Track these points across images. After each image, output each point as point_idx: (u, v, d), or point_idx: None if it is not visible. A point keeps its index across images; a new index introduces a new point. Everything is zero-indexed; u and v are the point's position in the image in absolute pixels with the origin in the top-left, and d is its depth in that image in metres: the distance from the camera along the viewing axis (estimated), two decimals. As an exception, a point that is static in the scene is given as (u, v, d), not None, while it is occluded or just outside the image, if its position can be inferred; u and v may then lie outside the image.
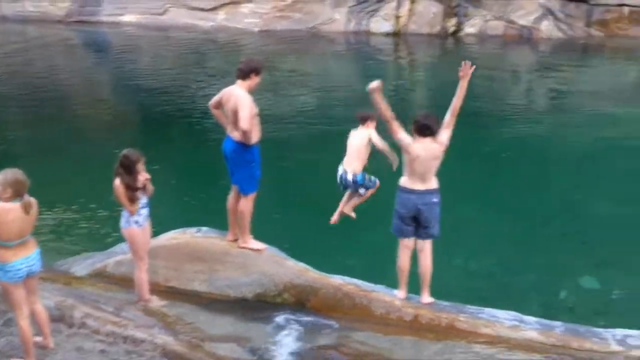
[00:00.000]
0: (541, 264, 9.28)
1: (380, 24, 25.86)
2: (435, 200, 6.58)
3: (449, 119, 6.49)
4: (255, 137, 6.89)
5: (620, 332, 6.45)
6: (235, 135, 6.87)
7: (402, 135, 6.46)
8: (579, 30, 24.84)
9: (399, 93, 19.50)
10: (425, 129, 6.46)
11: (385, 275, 8.16)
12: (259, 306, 6.85)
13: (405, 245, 6.76)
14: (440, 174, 6.60)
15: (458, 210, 9.68)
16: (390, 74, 22.05)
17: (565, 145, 14.17)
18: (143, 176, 6.41)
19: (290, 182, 11.75)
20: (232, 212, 7.20)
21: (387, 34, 25.63)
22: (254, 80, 6.88)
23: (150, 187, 6.52)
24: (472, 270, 9.04)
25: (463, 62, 6.45)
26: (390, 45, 25.11)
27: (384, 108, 6.41)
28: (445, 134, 6.47)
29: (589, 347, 6.17)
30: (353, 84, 19.99)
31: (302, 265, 7.18)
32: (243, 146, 6.88)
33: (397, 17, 25.79)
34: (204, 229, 7.56)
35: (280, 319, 6.63)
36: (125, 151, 6.45)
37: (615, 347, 6.18)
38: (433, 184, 6.57)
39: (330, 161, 13.01)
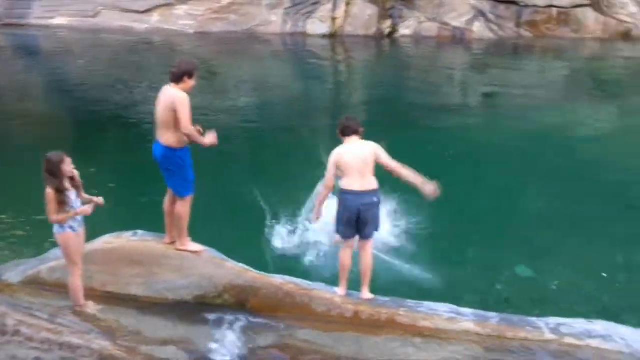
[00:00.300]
0: (476, 258, 9.46)
1: (317, 26, 25.96)
2: (375, 200, 6.69)
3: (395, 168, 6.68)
4: (185, 140, 6.78)
5: (553, 320, 6.64)
6: (164, 140, 6.75)
7: (330, 171, 6.68)
8: (509, 31, 25.53)
9: (338, 94, 19.67)
10: (347, 129, 6.76)
11: (325, 273, 8.25)
12: (198, 308, 6.78)
13: (348, 245, 6.87)
14: (377, 171, 6.73)
15: (394, 206, 9.80)
16: (327, 75, 22.19)
17: (498, 141, 14.49)
18: (69, 172, 6.26)
19: (228, 184, 11.67)
20: (169, 214, 7.11)
21: (324, 36, 25.75)
22: (188, 84, 6.72)
23: (79, 181, 6.38)
24: (410, 265, 9.15)
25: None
26: (327, 46, 25.24)
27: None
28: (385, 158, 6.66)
29: (524, 336, 6.34)
30: (291, 85, 20.05)
31: (241, 265, 7.14)
32: (172, 150, 6.75)
33: (333, 19, 25.93)
34: (140, 232, 7.45)
35: (220, 320, 6.59)
36: (47, 155, 6.29)
37: (548, 336, 6.36)
38: (372, 184, 6.67)
39: (267, 162, 13.16)
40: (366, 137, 6.94)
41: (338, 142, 6.94)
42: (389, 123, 14.98)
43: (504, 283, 8.83)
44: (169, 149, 6.74)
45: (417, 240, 9.62)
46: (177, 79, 6.68)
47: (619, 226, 10.29)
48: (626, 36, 25.49)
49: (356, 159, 6.64)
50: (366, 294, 6.87)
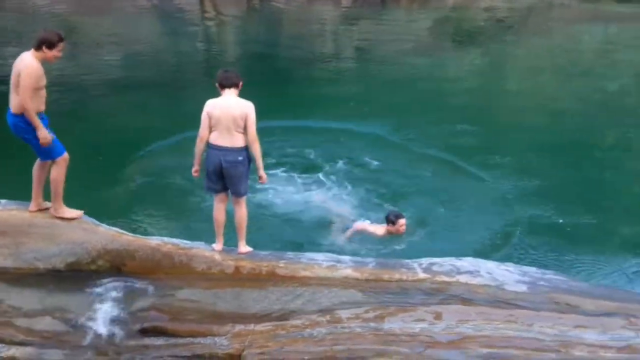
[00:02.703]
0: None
1: (184, -19, 25.16)
2: (240, 159, 6.60)
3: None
4: (36, 107, 6.44)
5: (425, 260, 6.92)
6: (12, 107, 6.44)
7: (203, 122, 6.57)
8: (376, -17, 25.91)
9: (209, 51, 19.27)
10: (225, 80, 6.65)
11: (204, 232, 8.17)
12: (72, 276, 6.55)
13: (218, 199, 6.83)
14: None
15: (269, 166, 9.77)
16: (197, 32, 21.60)
17: (372, 90, 14.90)
18: None
19: (97, 148, 11.29)
20: (38, 181, 6.79)
21: (192, -9, 25.02)
22: (47, 54, 6.45)
23: None
24: (289, 220, 9.28)
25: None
26: (194, 2, 24.58)
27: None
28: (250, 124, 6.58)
29: (399, 277, 6.57)
30: (158, 42, 19.38)
31: (115, 229, 6.95)
32: (17, 117, 6.45)
33: (200, -27, 25.25)
34: (3, 201, 7.06)
35: (96, 286, 6.42)
36: None
37: (422, 275, 6.62)
38: (238, 142, 6.58)
39: (139, 124, 12.78)
40: (243, 92, 6.85)
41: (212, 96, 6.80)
42: (265, 78, 14.96)
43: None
44: (16, 117, 6.45)
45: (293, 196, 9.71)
46: (35, 46, 6.43)
47: (480, 169, 10.84)
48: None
49: (226, 115, 6.54)
50: (243, 247, 6.88)
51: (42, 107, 6.51)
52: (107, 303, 6.20)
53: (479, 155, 11.38)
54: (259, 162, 6.66)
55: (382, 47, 18.97)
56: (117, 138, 11.76)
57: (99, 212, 7.32)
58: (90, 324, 5.98)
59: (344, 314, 6.11)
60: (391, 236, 8.74)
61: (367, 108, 13.47)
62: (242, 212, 6.82)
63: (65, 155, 6.68)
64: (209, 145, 6.63)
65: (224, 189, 6.77)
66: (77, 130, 11.86)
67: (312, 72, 16.27)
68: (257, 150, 6.62)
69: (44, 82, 6.46)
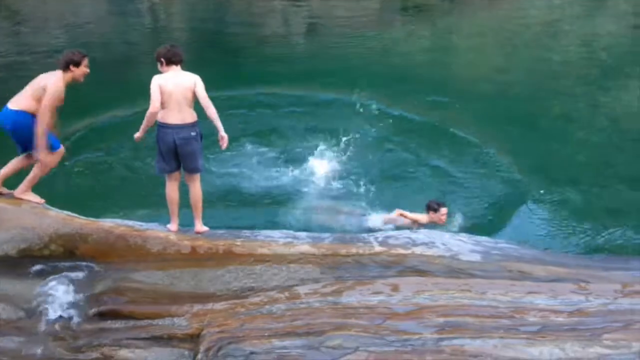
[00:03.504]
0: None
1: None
2: (193, 134, 6.54)
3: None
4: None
5: (381, 234, 7.03)
6: (20, 104, 6.67)
7: (154, 94, 6.48)
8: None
9: (156, 30, 18.92)
10: (174, 56, 6.59)
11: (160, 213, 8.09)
12: (25, 262, 6.44)
13: (172, 178, 6.76)
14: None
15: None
16: (143, 11, 21.15)
17: (324, 66, 14.96)
18: None
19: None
20: (11, 169, 6.87)
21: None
22: (76, 72, 6.74)
23: None
24: (243, 199, 9.25)
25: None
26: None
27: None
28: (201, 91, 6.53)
29: (355, 251, 6.65)
30: (101, 22, 18.93)
31: (66, 213, 6.84)
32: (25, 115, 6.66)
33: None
34: (-52, 187, 6.88)
35: (50, 271, 6.33)
36: None
37: (378, 248, 6.71)
38: (190, 117, 6.53)
39: (85, 102, 12.45)
40: (195, 69, 6.78)
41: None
42: (215, 55, 14.84)
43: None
44: (19, 113, 6.66)
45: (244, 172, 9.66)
46: (63, 67, 6.71)
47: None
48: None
49: (178, 89, 6.46)
50: (199, 226, 6.84)
51: (52, 122, 6.74)
52: (62, 288, 6.10)
53: (426, 118, 11.56)
54: (218, 123, 6.57)
55: (332, 24, 18.95)
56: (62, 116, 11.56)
57: (44, 194, 7.17)
58: (45, 310, 5.88)
59: (302, 289, 6.14)
60: (431, 224, 8.42)
61: (323, 80, 13.54)
62: (197, 189, 6.77)
63: (61, 149, 6.86)
64: (159, 125, 6.53)
65: (178, 167, 6.70)
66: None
67: (263, 49, 16.16)
68: (213, 111, 6.56)
69: (61, 103, 6.74)
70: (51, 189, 8.78)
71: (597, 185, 9.79)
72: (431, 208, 8.42)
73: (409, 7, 21.22)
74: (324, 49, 16.72)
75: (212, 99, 6.61)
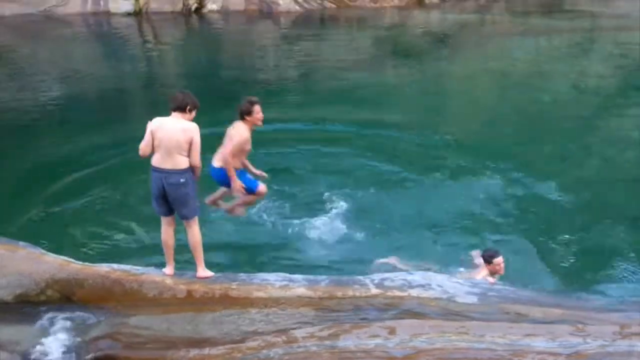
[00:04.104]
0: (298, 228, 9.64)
1: (120, 4, 25.03)
2: (182, 180, 6.50)
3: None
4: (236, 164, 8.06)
5: (377, 276, 7.00)
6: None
7: (145, 137, 6.51)
8: (314, 4, 26.40)
9: (150, 74, 19.08)
10: (171, 101, 6.63)
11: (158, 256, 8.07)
12: (21, 308, 6.40)
13: (165, 222, 6.77)
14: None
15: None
16: (138, 57, 21.33)
17: (316, 102, 15.28)
18: None
19: (40, 174, 11.06)
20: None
21: (128, 14, 24.86)
22: (252, 119, 8.05)
23: None
24: (242, 241, 9.24)
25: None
26: (133, 25, 24.41)
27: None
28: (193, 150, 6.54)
29: (352, 294, 6.61)
30: (98, 68, 19.10)
31: (62, 258, 6.82)
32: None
33: (137, -4, 25.13)
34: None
35: (46, 317, 6.29)
36: None
37: (374, 291, 6.67)
38: (180, 164, 6.50)
39: (82, 148, 12.53)
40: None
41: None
42: (210, 101, 14.87)
43: (329, 250, 9.15)
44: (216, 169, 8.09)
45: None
46: (240, 118, 8.09)
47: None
48: (420, 4, 27.47)
49: (168, 137, 6.44)
50: (201, 271, 6.81)
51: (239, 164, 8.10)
52: (59, 334, 6.06)
53: (423, 160, 11.70)
54: (198, 172, 6.64)
55: (324, 65, 19.18)
56: (56, 162, 11.63)
57: (39, 238, 7.16)
58: (42, 356, 5.82)
59: (299, 333, 6.10)
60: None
61: (315, 114, 13.78)
62: (193, 234, 6.75)
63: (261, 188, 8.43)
64: (151, 168, 6.57)
65: (170, 211, 6.70)
66: (14, 155, 11.70)
67: (254, 91, 16.33)
68: (197, 175, 6.64)
69: (249, 146, 8.10)
70: (46, 234, 8.84)
71: (590, 223, 9.84)
72: (486, 260, 7.95)
73: (399, 48, 21.62)
74: (312, 87, 16.98)
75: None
